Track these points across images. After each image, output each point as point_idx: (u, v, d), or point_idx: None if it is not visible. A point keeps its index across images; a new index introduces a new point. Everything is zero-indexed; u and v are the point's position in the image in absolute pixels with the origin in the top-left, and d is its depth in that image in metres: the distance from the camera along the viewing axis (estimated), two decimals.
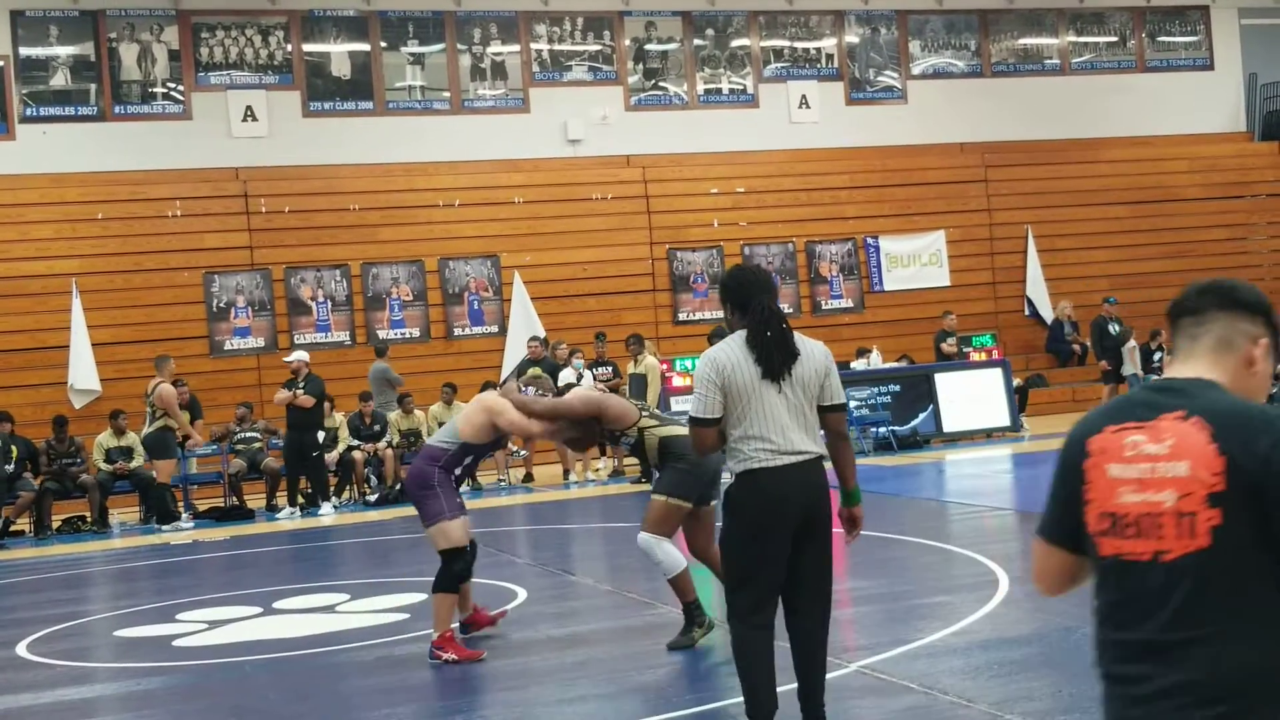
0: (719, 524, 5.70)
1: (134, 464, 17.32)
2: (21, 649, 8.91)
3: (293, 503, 17.12)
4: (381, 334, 22.22)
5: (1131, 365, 21.43)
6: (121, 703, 7.37)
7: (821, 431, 5.47)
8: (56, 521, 16.92)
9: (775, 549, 5.28)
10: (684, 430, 7.06)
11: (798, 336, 5.42)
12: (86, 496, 17.07)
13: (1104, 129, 26.37)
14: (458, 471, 7.75)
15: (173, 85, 22.17)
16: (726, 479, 5.60)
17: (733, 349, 5.34)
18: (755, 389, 5.26)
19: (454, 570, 7.55)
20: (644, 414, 7.63)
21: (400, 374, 20.14)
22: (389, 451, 18.21)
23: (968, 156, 25.69)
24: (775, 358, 5.29)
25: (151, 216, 21.64)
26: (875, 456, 18.42)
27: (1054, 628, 7.27)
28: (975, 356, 21.15)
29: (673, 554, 7.38)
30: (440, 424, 18.51)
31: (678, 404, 17.84)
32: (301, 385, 16.85)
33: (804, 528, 5.30)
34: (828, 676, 6.48)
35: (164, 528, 16.29)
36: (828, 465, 5.42)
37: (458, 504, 7.64)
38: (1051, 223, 25.50)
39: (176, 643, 8.80)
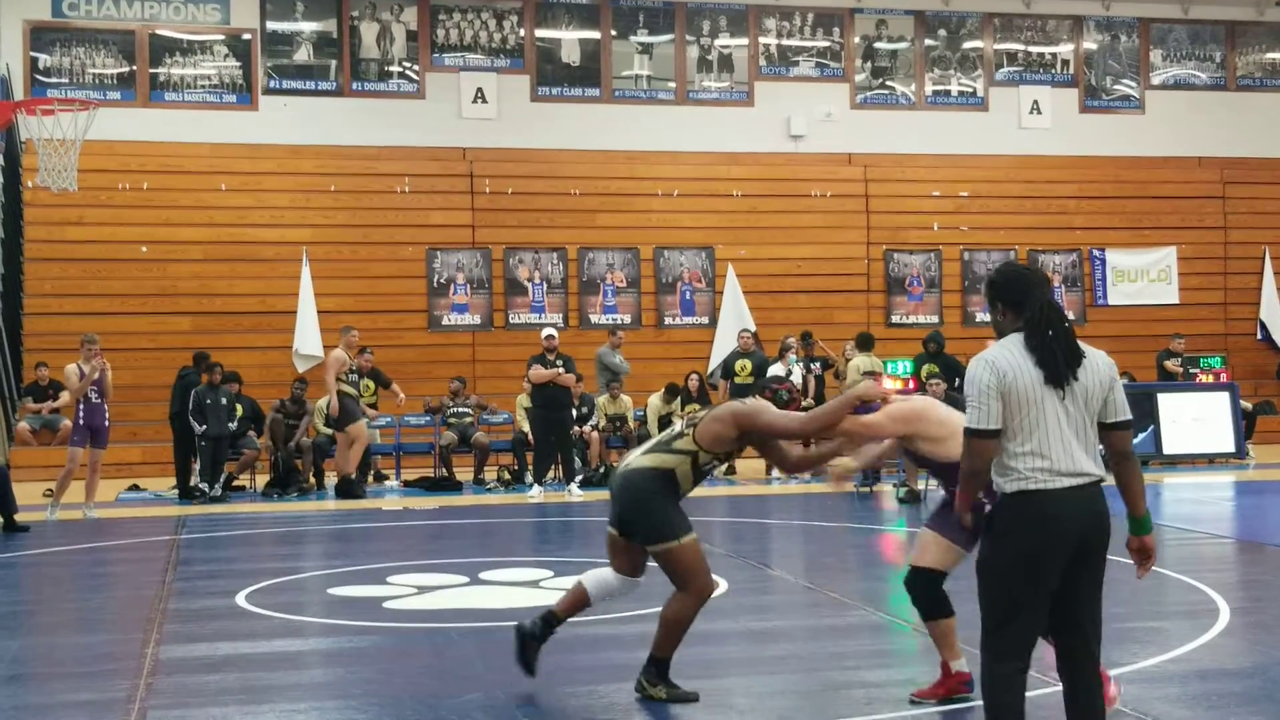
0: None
1: None
2: (241, 599, 9.27)
3: (541, 480, 16.70)
4: (594, 319, 22.50)
5: None
6: (332, 658, 7.60)
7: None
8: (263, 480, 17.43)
9: (1045, 582, 4.73)
10: None
11: (1080, 343, 4.85)
12: (302, 458, 17.66)
13: None
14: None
15: (408, 64, 22.79)
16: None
17: (1012, 351, 4.78)
18: (1037, 397, 4.72)
19: None
20: None
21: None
22: (594, 434, 18.40)
23: (1206, 171, 24.75)
24: (1060, 359, 4.73)
25: (381, 191, 22.33)
26: None
27: (1279, 661, 6.95)
28: (1202, 378, 20.35)
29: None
30: (660, 417, 18.53)
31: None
32: (560, 363, 16.75)
33: (1078, 560, 4.75)
34: (1034, 694, 6.33)
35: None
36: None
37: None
38: None
39: (386, 604, 9.04)
